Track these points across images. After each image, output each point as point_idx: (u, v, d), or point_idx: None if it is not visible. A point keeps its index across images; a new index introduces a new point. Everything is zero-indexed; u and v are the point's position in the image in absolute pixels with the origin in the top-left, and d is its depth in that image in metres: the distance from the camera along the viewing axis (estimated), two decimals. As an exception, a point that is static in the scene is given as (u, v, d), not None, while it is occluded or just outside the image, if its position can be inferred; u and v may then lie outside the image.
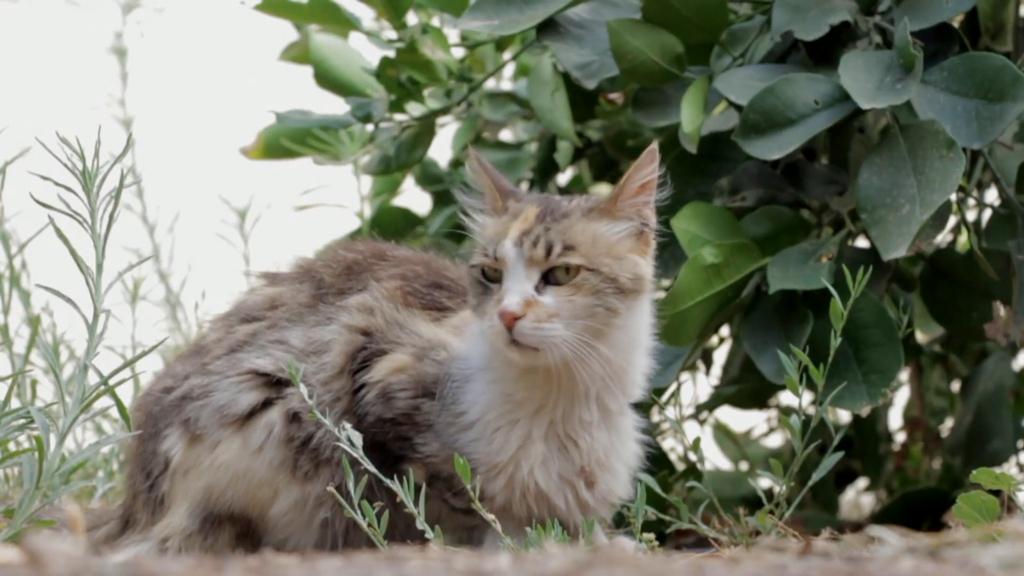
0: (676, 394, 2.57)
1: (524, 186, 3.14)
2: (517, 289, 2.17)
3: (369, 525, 2.17)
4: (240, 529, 2.33)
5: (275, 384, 2.32)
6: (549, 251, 2.18)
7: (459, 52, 3.00)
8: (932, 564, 1.65)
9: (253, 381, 2.33)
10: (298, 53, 3.19)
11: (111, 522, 2.45)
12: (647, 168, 2.24)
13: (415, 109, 2.95)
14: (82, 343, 2.20)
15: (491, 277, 2.21)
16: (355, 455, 2.19)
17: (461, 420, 2.27)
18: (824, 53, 2.73)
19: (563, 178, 3.23)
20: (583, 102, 2.96)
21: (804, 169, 2.82)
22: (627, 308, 2.22)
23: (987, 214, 2.90)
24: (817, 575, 1.64)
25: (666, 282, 2.84)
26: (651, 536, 2.35)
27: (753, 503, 3.03)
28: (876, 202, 2.57)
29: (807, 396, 2.40)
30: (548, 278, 2.18)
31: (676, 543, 2.85)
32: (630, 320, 2.24)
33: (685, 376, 3.12)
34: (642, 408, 2.38)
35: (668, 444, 3.08)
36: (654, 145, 2.25)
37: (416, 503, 2.18)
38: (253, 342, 2.36)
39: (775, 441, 3.54)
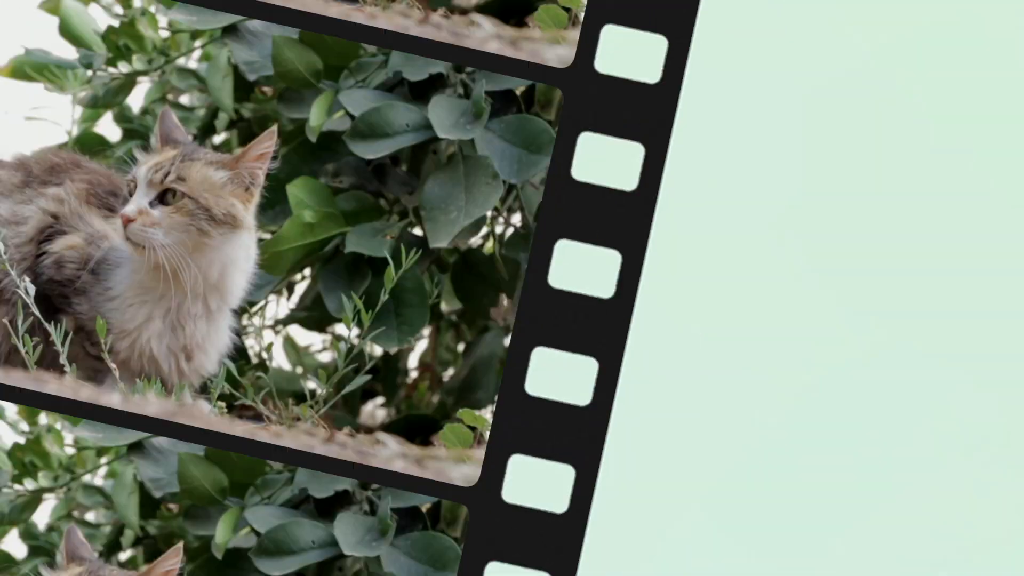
0: (263, 308, 2.77)
1: (190, 138, 3.41)
2: (136, 201, 2.36)
3: (27, 353, 2.35)
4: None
5: None
6: (165, 177, 2.37)
7: (165, 33, 3.34)
8: (417, 469, 2.10)
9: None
10: (53, 6, 3.62)
11: None
12: (267, 143, 2.40)
13: (124, 67, 3.23)
14: None
15: (130, 193, 2.39)
16: (27, 301, 2.38)
17: (108, 293, 2.52)
18: (421, 92, 2.95)
19: (218, 139, 3.57)
20: (244, 88, 2.99)
21: (388, 170, 3.04)
22: (219, 235, 2.37)
23: (510, 231, 2.93)
24: (333, 455, 2.17)
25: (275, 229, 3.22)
26: (223, 405, 2.47)
27: (300, 398, 2.98)
28: (434, 205, 2.89)
29: (355, 331, 2.52)
30: (163, 199, 2.27)
31: (239, 414, 2.85)
32: (225, 245, 2.38)
33: (272, 297, 3.31)
34: (237, 313, 2.76)
35: (250, 343, 3.14)
36: (275, 127, 2.53)
37: (63, 344, 2.37)
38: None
39: (326, 357, 3.57)
